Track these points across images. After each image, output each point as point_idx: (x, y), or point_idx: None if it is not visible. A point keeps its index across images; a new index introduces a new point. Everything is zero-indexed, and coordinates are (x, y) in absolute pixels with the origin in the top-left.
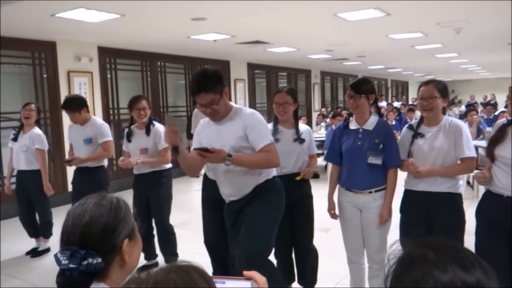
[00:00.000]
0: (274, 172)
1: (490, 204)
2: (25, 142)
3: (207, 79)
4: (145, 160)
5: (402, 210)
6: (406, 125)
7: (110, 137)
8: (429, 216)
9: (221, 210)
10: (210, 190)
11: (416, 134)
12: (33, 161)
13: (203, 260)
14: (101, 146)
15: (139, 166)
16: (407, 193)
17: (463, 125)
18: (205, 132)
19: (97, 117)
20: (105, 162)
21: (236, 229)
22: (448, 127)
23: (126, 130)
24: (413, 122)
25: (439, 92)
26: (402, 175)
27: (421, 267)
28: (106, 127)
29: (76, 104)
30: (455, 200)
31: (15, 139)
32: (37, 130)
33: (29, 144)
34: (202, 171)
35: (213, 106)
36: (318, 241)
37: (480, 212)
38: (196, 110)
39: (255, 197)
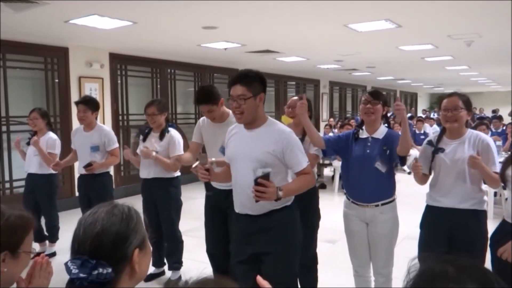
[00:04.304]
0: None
1: (504, 234)
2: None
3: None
4: (159, 157)
5: (423, 225)
6: (425, 141)
7: (117, 144)
8: (450, 233)
9: (224, 220)
10: (214, 199)
11: (437, 149)
12: (44, 165)
13: (205, 268)
14: (110, 153)
15: (147, 170)
16: (429, 208)
17: (490, 139)
18: (237, 140)
19: (107, 123)
20: (111, 169)
21: (250, 250)
22: (473, 140)
23: (147, 130)
24: (432, 137)
25: (463, 103)
26: (420, 188)
27: (440, 283)
28: (113, 134)
29: (95, 106)
30: (479, 217)
31: (29, 143)
32: (51, 135)
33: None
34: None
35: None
36: (324, 252)
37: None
38: (200, 119)
39: (278, 227)
